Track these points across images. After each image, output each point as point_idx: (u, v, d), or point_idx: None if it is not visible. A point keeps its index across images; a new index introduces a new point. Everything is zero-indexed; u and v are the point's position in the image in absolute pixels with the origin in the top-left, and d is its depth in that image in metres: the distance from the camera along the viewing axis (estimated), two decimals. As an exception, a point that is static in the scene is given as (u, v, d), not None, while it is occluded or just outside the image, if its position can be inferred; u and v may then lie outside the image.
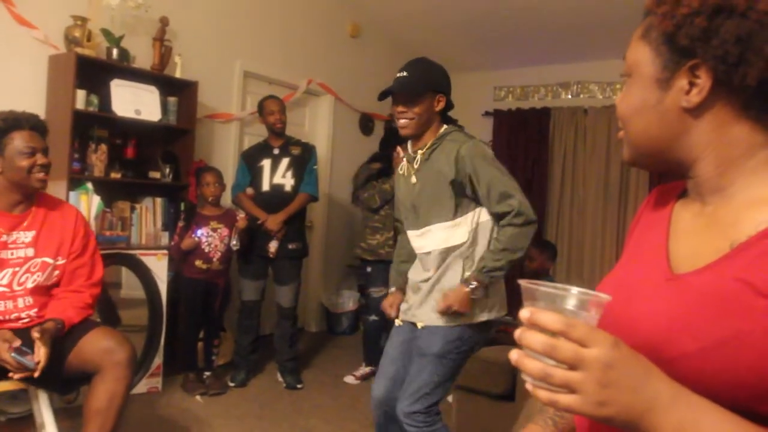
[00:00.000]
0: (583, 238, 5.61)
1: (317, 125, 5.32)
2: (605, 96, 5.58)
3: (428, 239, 2.18)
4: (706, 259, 0.72)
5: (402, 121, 2.14)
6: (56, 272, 2.25)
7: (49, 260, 2.22)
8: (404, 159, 2.29)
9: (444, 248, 2.14)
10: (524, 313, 0.62)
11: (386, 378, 2.26)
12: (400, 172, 2.31)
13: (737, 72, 0.70)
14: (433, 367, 2.13)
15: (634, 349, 0.64)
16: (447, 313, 2.10)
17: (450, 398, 3.19)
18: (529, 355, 0.62)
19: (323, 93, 5.24)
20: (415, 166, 2.20)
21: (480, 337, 2.21)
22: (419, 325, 2.19)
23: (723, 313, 0.67)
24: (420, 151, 2.19)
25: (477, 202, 2.14)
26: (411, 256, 2.35)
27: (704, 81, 0.72)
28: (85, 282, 2.30)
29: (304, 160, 3.81)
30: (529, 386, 0.63)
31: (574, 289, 0.65)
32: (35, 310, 2.20)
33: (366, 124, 5.74)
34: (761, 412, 0.64)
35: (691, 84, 0.73)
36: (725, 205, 0.76)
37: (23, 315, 2.18)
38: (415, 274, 2.27)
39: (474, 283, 2.07)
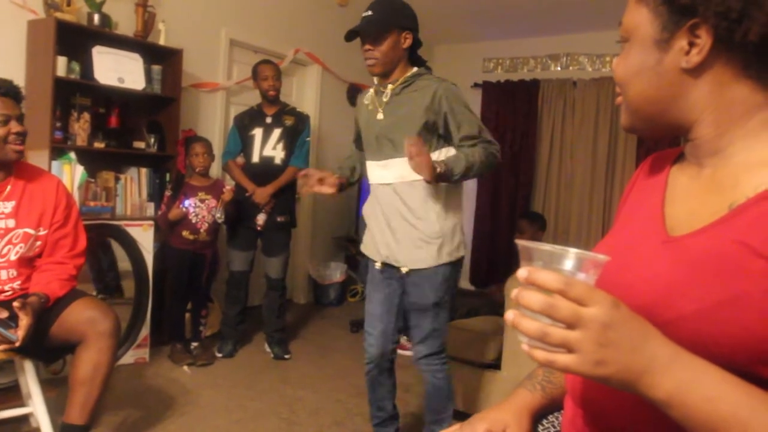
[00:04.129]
0: (570, 210, 5.63)
1: (304, 95, 5.25)
2: (594, 68, 5.55)
3: (389, 171, 2.23)
4: (704, 222, 0.72)
5: (370, 60, 2.19)
6: (38, 243, 2.21)
7: (31, 231, 2.18)
8: (371, 90, 2.33)
9: (409, 182, 2.17)
10: (522, 272, 0.61)
11: (377, 336, 2.34)
12: (366, 103, 2.33)
13: (739, 28, 0.69)
14: (433, 314, 2.24)
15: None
16: (411, 150, 1.99)
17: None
18: (526, 314, 0.61)
19: (310, 63, 5.16)
20: (384, 100, 2.23)
21: (458, 275, 2.33)
22: (404, 269, 2.23)
23: (721, 275, 0.66)
24: (390, 86, 2.22)
25: (446, 141, 2.20)
26: (355, 163, 2.49)
27: (704, 40, 0.72)
28: (68, 253, 2.26)
29: (296, 131, 3.75)
30: (525, 347, 0.63)
31: (572, 250, 0.64)
32: (19, 282, 2.17)
33: (354, 94, 5.68)
34: (759, 373, 0.64)
35: (691, 44, 0.73)
36: (723, 167, 0.75)
37: (6, 288, 2.15)
38: (380, 210, 2.28)
39: (440, 164, 2.08)
